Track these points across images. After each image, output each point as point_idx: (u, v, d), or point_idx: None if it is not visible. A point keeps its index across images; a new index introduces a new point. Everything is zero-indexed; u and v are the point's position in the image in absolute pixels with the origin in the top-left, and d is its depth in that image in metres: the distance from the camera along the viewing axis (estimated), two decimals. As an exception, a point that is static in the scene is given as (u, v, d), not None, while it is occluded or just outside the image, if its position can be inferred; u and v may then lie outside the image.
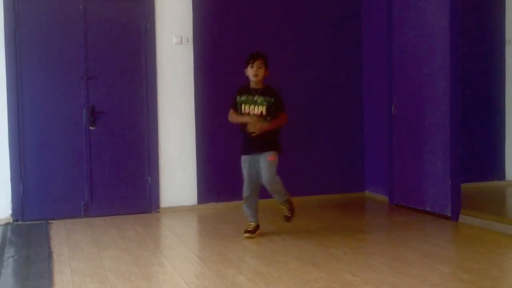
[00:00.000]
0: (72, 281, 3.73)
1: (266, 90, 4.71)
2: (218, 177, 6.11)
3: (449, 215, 5.30)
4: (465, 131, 5.78)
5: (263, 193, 6.19)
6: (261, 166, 4.67)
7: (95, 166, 5.76)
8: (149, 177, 5.91)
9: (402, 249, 4.35)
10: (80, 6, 5.68)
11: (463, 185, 5.38)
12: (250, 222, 4.85)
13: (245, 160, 4.76)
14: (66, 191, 5.69)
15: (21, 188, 5.55)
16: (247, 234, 4.74)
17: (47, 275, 3.84)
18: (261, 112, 4.64)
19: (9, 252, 4.50)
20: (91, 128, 5.73)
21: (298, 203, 6.13)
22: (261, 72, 4.69)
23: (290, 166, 6.35)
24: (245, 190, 4.81)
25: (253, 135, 4.62)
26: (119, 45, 5.82)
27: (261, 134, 4.62)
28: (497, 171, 6.83)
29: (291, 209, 4.92)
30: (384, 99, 6.16)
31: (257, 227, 4.83)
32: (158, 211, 5.91)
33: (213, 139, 6.10)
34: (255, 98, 4.66)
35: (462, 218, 5.21)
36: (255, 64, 4.69)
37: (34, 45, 5.58)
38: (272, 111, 4.66)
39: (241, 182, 4.78)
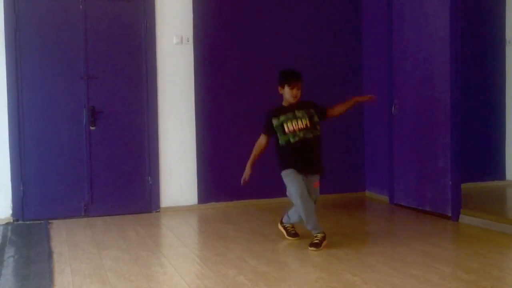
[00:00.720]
0: (72, 281, 3.73)
1: (301, 104, 4.57)
2: (218, 176, 6.11)
3: (449, 215, 5.30)
4: (466, 131, 5.79)
5: (261, 193, 6.22)
6: (309, 188, 4.50)
7: (95, 166, 5.76)
8: (149, 177, 5.91)
9: (402, 249, 4.35)
10: (81, 6, 5.68)
11: (463, 185, 5.38)
12: (317, 233, 4.43)
13: (294, 173, 4.46)
14: (66, 191, 5.69)
15: (22, 188, 5.55)
16: (313, 248, 4.34)
17: (48, 275, 3.84)
18: (306, 124, 4.49)
19: (10, 252, 4.51)
20: (91, 128, 5.73)
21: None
22: (299, 93, 4.55)
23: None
24: (305, 212, 4.41)
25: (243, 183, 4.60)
26: (119, 45, 5.82)
27: (315, 152, 4.53)
28: (497, 171, 6.84)
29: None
30: (384, 99, 6.16)
31: (323, 238, 4.45)
32: (158, 211, 5.92)
33: (213, 139, 6.10)
34: (295, 113, 4.51)
35: (462, 218, 5.21)
36: (295, 86, 4.51)
37: (34, 45, 5.58)
38: (320, 116, 4.59)
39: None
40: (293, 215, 4.64)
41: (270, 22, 6.29)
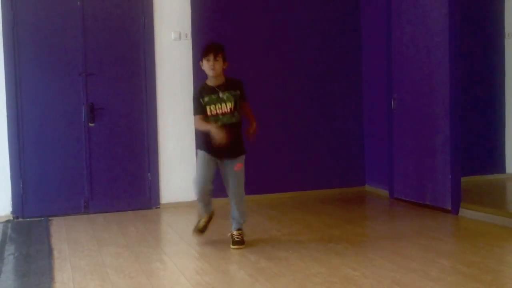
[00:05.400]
0: (72, 278, 3.73)
1: (229, 83, 4.28)
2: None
3: (449, 208, 5.30)
4: (465, 124, 5.78)
5: (261, 189, 6.22)
6: (229, 177, 4.38)
7: (95, 162, 5.76)
8: (149, 173, 5.91)
9: (402, 243, 4.35)
10: (78, 2, 5.67)
11: (463, 179, 5.37)
12: (203, 216, 4.48)
13: (204, 156, 4.34)
14: (66, 188, 5.69)
15: (21, 185, 5.55)
16: (197, 233, 4.46)
17: (48, 272, 3.84)
18: (230, 109, 4.23)
19: (10, 249, 4.51)
20: (90, 124, 5.73)
21: (299, 198, 6.17)
22: (219, 65, 4.20)
23: (290, 161, 6.37)
24: (197, 192, 4.43)
25: (219, 144, 4.19)
26: (117, 41, 5.81)
27: (236, 137, 4.28)
28: (497, 165, 6.83)
29: (242, 235, 4.41)
30: (384, 93, 6.15)
31: (210, 219, 4.52)
32: (158, 207, 5.92)
33: (213, 135, 6.09)
34: (220, 96, 4.23)
35: (462, 211, 5.21)
36: (211, 57, 4.18)
37: (32, 42, 5.57)
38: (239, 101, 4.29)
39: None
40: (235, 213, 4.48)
41: (269, 17, 6.27)
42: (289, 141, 6.37)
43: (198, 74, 6.00)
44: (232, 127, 4.27)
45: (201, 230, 4.49)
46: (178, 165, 6.00)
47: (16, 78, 5.50)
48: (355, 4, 6.55)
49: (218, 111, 4.25)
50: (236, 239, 4.36)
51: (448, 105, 5.28)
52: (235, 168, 4.36)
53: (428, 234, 4.64)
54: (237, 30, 6.15)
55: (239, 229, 4.44)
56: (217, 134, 4.17)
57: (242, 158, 4.39)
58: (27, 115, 5.56)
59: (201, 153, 4.40)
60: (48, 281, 3.65)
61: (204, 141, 4.38)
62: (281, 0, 6.31)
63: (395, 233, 4.80)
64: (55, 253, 4.33)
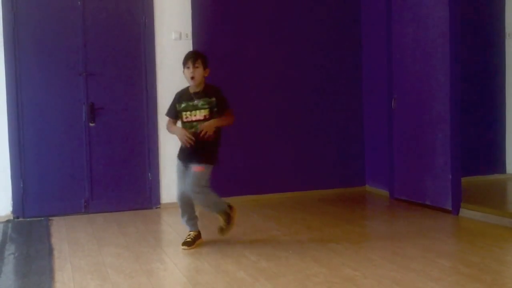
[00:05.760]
0: (73, 278, 3.73)
1: (206, 91, 4.28)
2: (217, 173, 6.08)
3: (450, 209, 5.30)
4: (466, 124, 5.78)
5: (261, 189, 6.22)
6: (187, 178, 4.32)
7: (95, 162, 5.76)
8: (149, 173, 5.91)
9: (403, 244, 4.35)
10: (79, 2, 5.67)
11: (463, 179, 5.38)
12: (190, 232, 4.47)
13: (178, 166, 4.42)
14: (67, 188, 5.69)
15: (22, 185, 5.55)
16: (184, 247, 4.35)
17: (48, 272, 3.85)
18: (205, 116, 4.23)
19: (10, 249, 4.50)
20: (90, 124, 5.73)
21: (299, 198, 6.18)
22: (199, 72, 4.24)
23: (291, 161, 6.37)
24: (178, 200, 4.48)
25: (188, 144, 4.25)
26: (118, 41, 5.81)
27: (207, 145, 4.27)
28: (498, 165, 6.83)
29: (229, 221, 4.46)
30: (384, 93, 6.15)
31: (197, 237, 4.48)
32: (159, 207, 5.92)
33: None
34: (195, 103, 4.25)
35: (463, 212, 5.21)
36: (190, 64, 4.23)
37: (32, 42, 5.57)
38: (215, 112, 4.26)
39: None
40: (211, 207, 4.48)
41: (269, 18, 6.27)
42: (289, 141, 6.37)
43: (199, 74, 6.03)
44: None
45: (188, 244, 4.38)
46: (179, 165, 5.99)
47: (16, 78, 5.50)
48: (356, 5, 6.55)
49: (192, 118, 4.28)
50: (220, 226, 4.43)
51: (448, 105, 5.28)
52: (194, 169, 4.28)
53: (428, 234, 4.64)
54: (237, 30, 6.16)
55: (225, 215, 4.44)
56: (182, 136, 4.27)
57: (209, 166, 4.34)
58: (27, 115, 5.56)
59: (178, 163, 4.45)
60: (49, 281, 3.65)
61: (180, 149, 4.43)
62: (281, 2, 6.31)
63: (395, 233, 4.80)
64: (55, 253, 4.33)
